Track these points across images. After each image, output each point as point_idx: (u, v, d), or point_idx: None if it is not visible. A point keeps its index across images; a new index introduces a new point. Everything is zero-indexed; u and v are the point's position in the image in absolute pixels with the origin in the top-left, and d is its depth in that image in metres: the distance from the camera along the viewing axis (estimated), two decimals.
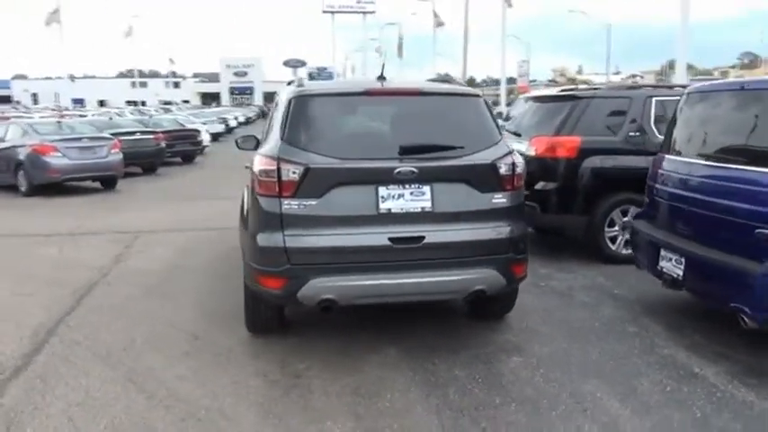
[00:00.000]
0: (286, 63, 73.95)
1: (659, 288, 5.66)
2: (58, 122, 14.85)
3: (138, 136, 16.10)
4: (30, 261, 7.15)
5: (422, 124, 4.20)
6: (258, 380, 3.96)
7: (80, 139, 13.18)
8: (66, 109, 38.24)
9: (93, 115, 25.40)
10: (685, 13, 14.20)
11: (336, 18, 62.80)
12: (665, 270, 4.66)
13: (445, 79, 5.70)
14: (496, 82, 47.48)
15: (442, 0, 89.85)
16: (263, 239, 3.97)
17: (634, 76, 66.30)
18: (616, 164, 6.62)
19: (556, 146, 6.58)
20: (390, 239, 3.90)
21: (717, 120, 4.41)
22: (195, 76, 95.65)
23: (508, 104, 29.08)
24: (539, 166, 6.52)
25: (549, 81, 74.61)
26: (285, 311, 4.64)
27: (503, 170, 4.13)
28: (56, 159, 12.42)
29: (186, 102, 67.47)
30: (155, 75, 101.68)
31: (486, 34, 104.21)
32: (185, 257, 7.16)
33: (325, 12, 61.32)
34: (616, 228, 6.69)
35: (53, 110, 34.59)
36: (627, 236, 6.65)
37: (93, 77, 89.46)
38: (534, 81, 56.23)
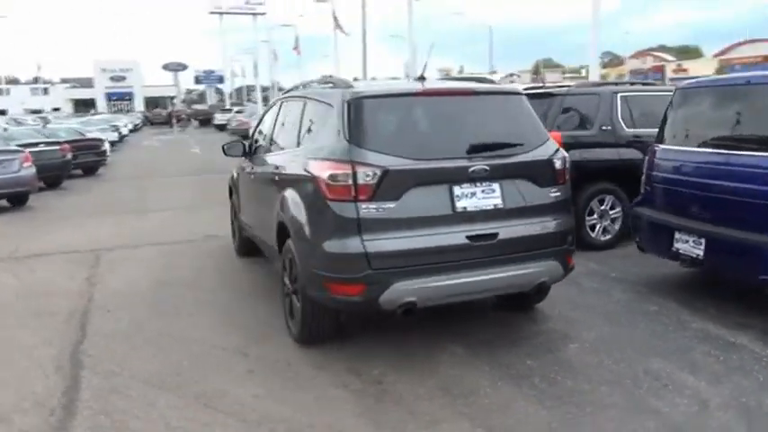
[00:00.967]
0: (165, 67, 70.33)
1: (648, 269, 6.19)
2: None
3: (42, 147, 14.68)
4: None
5: (481, 123, 4.27)
6: (340, 391, 3.84)
7: None
8: None
9: None
10: (597, 19, 15.24)
11: (225, 19, 60.59)
12: (681, 251, 5.05)
13: (480, 79, 5.79)
14: None
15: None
16: (337, 246, 3.86)
17: (511, 74, 69.87)
18: (593, 156, 7.06)
19: None
20: (468, 237, 3.94)
21: (731, 112, 4.85)
22: (64, 81, 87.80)
23: None
24: None
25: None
26: (341, 319, 4.52)
27: (557, 165, 4.32)
28: None
29: (57, 109, 62.38)
30: (14, 81, 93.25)
31: (374, 34, 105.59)
32: (165, 273, 6.71)
33: (212, 13, 58.65)
34: (595, 216, 7.15)
35: None
36: (605, 223, 7.19)
37: None
38: None
